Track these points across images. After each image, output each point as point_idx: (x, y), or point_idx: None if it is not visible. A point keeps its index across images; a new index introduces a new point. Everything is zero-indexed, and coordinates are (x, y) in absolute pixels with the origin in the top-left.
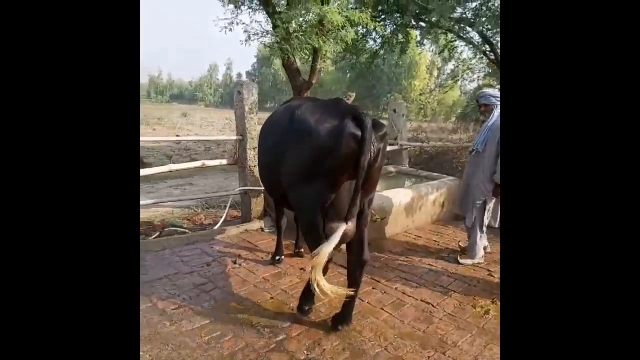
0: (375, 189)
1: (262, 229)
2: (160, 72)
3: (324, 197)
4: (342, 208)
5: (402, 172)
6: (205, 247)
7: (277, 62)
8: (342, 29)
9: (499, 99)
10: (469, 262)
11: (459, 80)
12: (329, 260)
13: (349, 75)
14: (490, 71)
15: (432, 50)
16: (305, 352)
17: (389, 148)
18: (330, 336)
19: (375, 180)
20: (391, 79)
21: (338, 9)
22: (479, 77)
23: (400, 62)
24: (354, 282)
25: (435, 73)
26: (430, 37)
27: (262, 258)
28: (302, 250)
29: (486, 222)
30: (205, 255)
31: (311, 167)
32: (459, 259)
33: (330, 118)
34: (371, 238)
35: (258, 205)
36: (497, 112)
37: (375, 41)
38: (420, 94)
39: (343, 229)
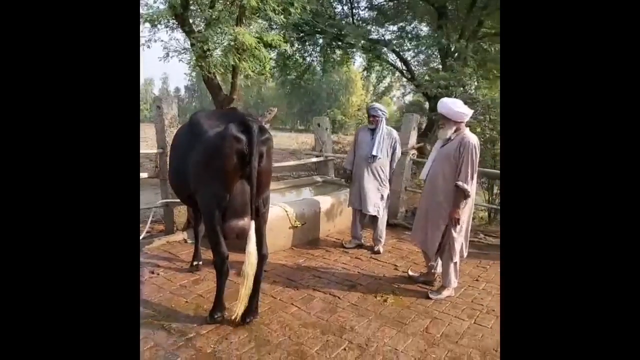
0: (266, 188)
1: (185, 240)
2: None
3: (219, 196)
4: (238, 207)
5: (328, 181)
6: None
7: (218, 77)
8: (256, 49)
9: (384, 112)
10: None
11: (384, 96)
12: None
13: (288, 91)
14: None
15: (357, 70)
16: (212, 346)
17: (314, 159)
18: (239, 330)
19: (263, 181)
20: (330, 95)
21: (250, 31)
22: (404, 93)
23: (337, 79)
24: (255, 275)
25: (371, 89)
26: (350, 57)
27: (182, 267)
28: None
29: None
30: None
31: (205, 167)
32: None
33: (220, 123)
34: (293, 243)
35: (180, 216)
36: (382, 123)
37: (305, 59)
38: (358, 109)
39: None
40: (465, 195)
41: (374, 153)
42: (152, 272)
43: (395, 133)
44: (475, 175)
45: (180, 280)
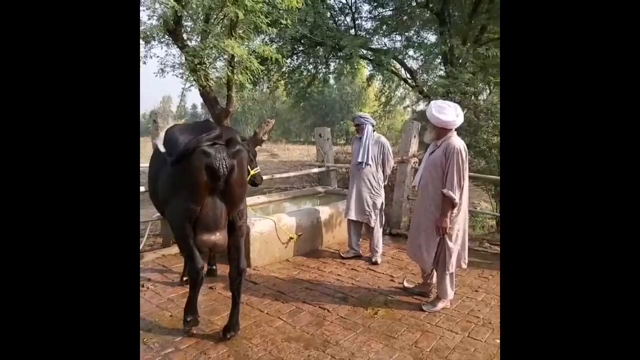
0: (240, 202)
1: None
2: None
3: (188, 210)
4: (209, 221)
5: (329, 191)
6: None
7: (214, 91)
8: (249, 61)
9: (367, 119)
10: (378, 258)
11: (395, 106)
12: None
13: (302, 104)
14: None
15: (356, 81)
16: None
17: (315, 170)
18: (219, 345)
19: (236, 194)
20: (343, 107)
21: (248, 45)
22: (412, 102)
23: (350, 91)
24: (235, 289)
25: (383, 99)
26: (357, 68)
27: (173, 280)
28: (214, 267)
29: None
30: None
31: (174, 181)
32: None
33: (190, 136)
34: (290, 255)
35: None
36: (368, 130)
37: (309, 71)
38: None
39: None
40: (452, 203)
41: (359, 160)
42: (142, 286)
43: (383, 139)
44: (464, 182)
45: (168, 294)
